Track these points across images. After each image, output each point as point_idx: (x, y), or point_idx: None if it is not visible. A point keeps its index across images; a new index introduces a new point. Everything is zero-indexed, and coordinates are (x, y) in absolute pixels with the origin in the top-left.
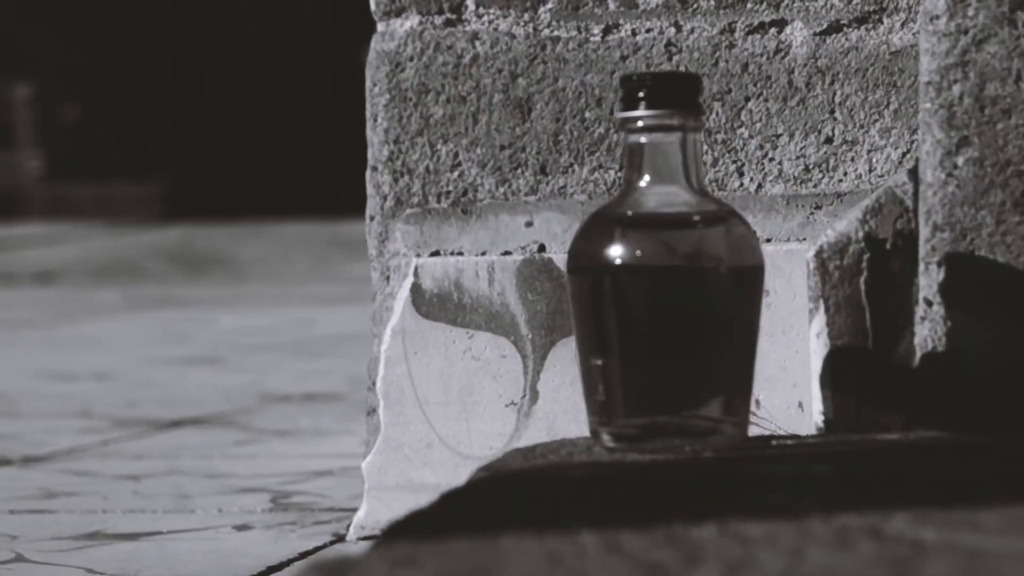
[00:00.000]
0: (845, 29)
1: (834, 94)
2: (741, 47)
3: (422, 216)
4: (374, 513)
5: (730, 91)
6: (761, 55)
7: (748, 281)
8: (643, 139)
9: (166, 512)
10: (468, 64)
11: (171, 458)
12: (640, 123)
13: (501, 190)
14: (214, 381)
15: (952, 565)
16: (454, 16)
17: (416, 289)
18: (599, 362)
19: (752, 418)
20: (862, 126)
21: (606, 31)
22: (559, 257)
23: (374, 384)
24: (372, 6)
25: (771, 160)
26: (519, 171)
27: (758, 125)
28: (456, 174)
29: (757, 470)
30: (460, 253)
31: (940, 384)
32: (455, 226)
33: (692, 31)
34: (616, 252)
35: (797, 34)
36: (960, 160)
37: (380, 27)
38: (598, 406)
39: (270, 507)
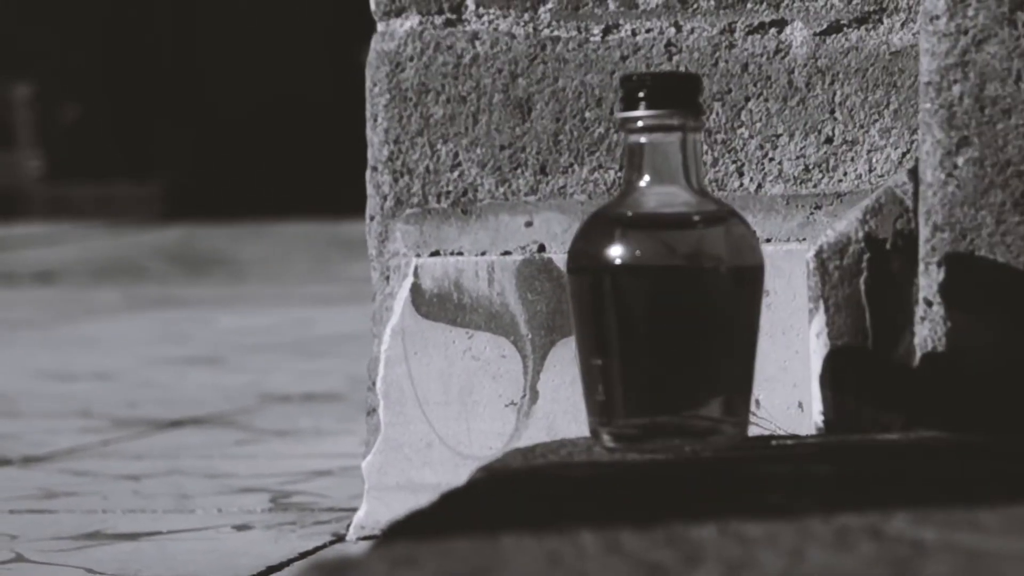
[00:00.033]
0: (845, 29)
1: (834, 94)
2: (741, 47)
3: (422, 216)
4: (374, 513)
5: (730, 91)
6: (761, 55)
7: (748, 281)
8: (643, 139)
9: (166, 512)
10: (468, 64)
11: (171, 458)
12: (640, 123)
13: (501, 190)
14: (214, 381)
15: (952, 565)
16: (454, 16)
17: (416, 289)
18: (599, 362)
19: (752, 418)
20: (862, 126)
21: (606, 31)
22: (559, 257)
23: (374, 384)
24: (372, 6)
25: (771, 160)
26: (519, 171)
27: (758, 125)
28: (456, 174)
29: (757, 470)
30: (460, 253)
31: (940, 384)
32: (455, 226)
33: (692, 31)
34: (616, 252)
35: (797, 34)
36: (960, 160)
37: (380, 27)
38: (598, 406)
39: (270, 507)
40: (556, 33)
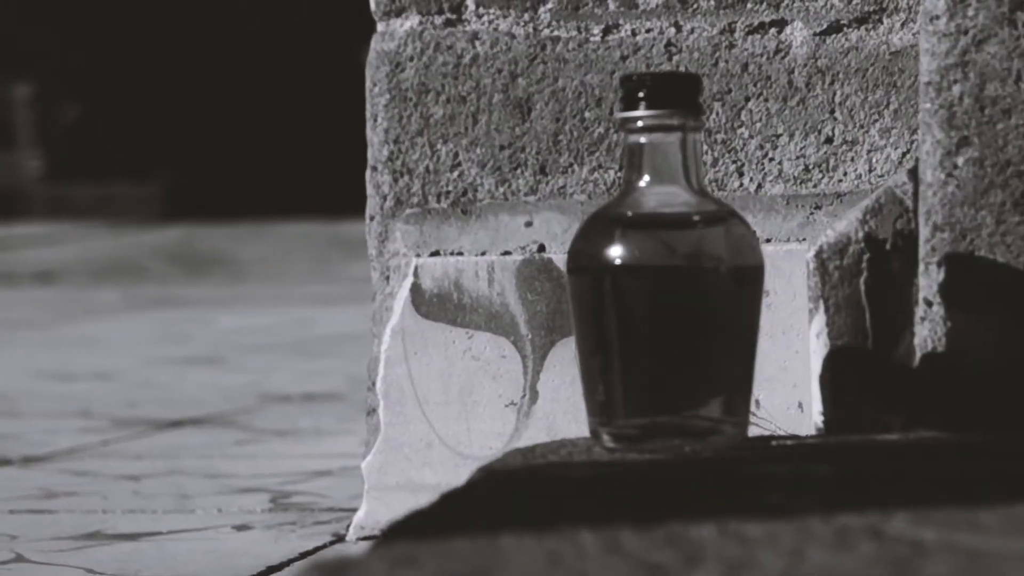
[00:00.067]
0: (845, 29)
1: (834, 94)
2: (741, 47)
3: (422, 216)
4: (374, 513)
5: (730, 91)
6: (761, 55)
7: (748, 281)
8: (643, 139)
9: (166, 512)
10: (468, 64)
11: (171, 458)
12: (640, 123)
13: (501, 190)
14: (214, 381)
15: (952, 565)
16: (454, 16)
17: (416, 289)
18: (599, 362)
19: (752, 418)
20: (862, 126)
21: (606, 31)
22: (559, 257)
23: (374, 384)
24: (372, 6)
25: (771, 160)
26: (519, 171)
27: (758, 125)
28: (456, 174)
29: (757, 470)
30: (460, 253)
31: (940, 384)
32: (455, 226)
33: (692, 31)
34: (616, 252)
35: (797, 34)
36: (960, 160)
37: (380, 27)
38: (598, 406)
39: (270, 507)
40: (556, 33)
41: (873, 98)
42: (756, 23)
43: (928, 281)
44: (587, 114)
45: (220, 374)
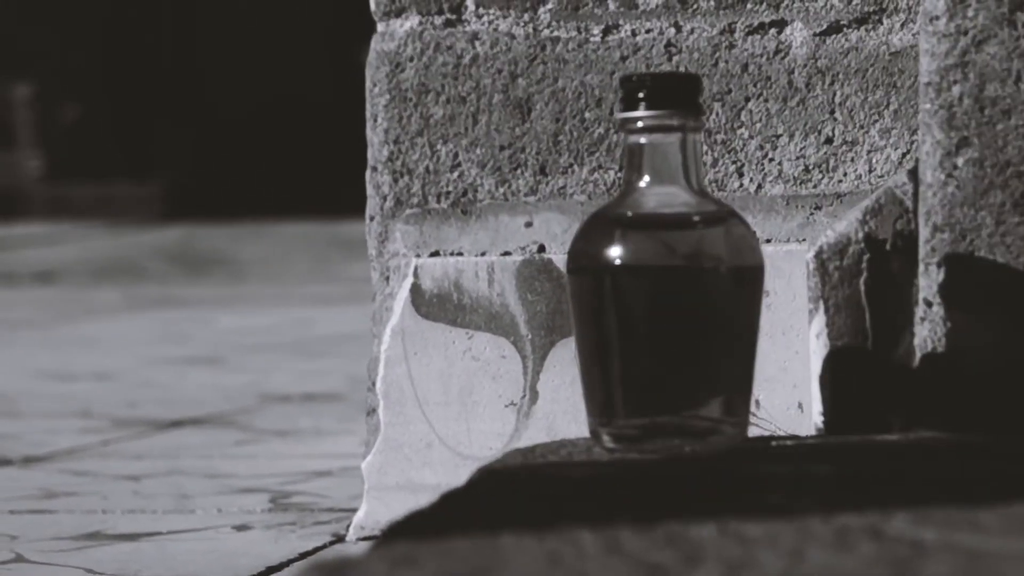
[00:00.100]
0: (845, 30)
1: (834, 95)
2: (741, 48)
3: (422, 216)
4: (374, 513)
5: (730, 91)
6: (761, 55)
7: (748, 281)
8: (643, 139)
9: (166, 512)
10: (468, 64)
11: (171, 458)
12: (640, 123)
13: (501, 190)
14: (214, 381)
15: (952, 565)
16: (454, 16)
17: (416, 289)
18: (599, 362)
19: (752, 419)
20: (862, 126)
21: (606, 31)
22: (559, 257)
23: (374, 384)
24: (372, 6)
25: (771, 160)
26: (519, 171)
27: (758, 125)
28: (456, 174)
29: (757, 470)
30: (460, 253)
31: (940, 384)
32: (455, 226)
33: (692, 31)
34: (616, 252)
35: (797, 35)
36: (960, 161)
37: (380, 27)
38: (598, 406)
39: (270, 507)
40: (556, 33)
41: (873, 98)
42: (756, 23)
43: (928, 281)
44: (587, 114)
45: (220, 374)
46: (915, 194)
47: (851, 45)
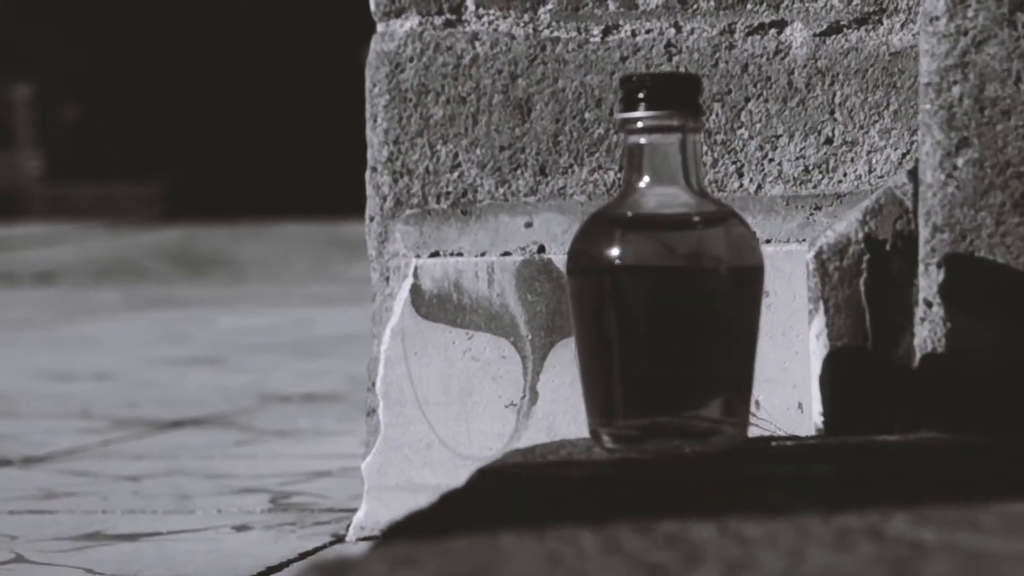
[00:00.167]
0: (845, 30)
1: (834, 95)
2: (741, 48)
3: (422, 217)
4: (374, 513)
5: (730, 92)
6: (761, 56)
7: (748, 282)
8: (643, 140)
9: (166, 512)
10: (468, 65)
11: (171, 458)
12: (640, 124)
13: (501, 191)
14: (214, 381)
15: (952, 565)
16: (454, 17)
17: (416, 290)
18: (599, 363)
19: (752, 419)
20: (862, 127)
21: (606, 32)
22: (559, 258)
23: (374, 384)
24: (372, 6)
25: (771, 161)
26: (519, 172)
27: (758, 126)
28: (456, 175)
29: (757, 470)
30: (460, 254)
31: (940, 385)
32: (455, 227)
33: (692, 32)
34: (616, 253)
35: (797, 35)
36: (960, 161)
37: (380, 27)
38: (598, 407)
39: (270, 507)
40: (556, 34)
41: (873, 99)
42: (756, 24)
43: (928, 282)
44: (587, 115)
45: (220, 374)
46: (915, 194)
47: (851, 45)
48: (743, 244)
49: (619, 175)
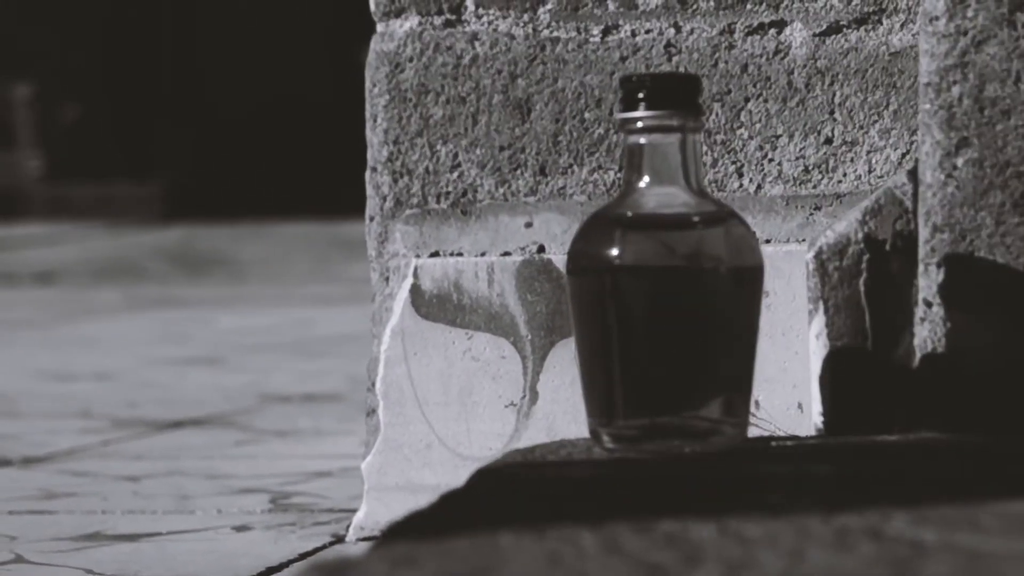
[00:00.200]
0: (844, 30)
1: (833, 95)
2: (741, 48)
3: (421, 217)
4: (374, 514)
5: (729, 92)
6: (760, 56)
7: (748, 282)
8: (642, 140)
9: (166, 513)
10: (468, 65)
11: (171, 458)
12: (639, 124)
13: (501, 191)
14: (214, 381)
15: (952, 565)
16: (454, 17)
17: (415, 290)
18: (599, 363)
19: (752, 419)
20: (862, 127)
21: (605, 32)
22: (559, 258)
23: (374, 385)
24: (372, 6)
25: (770, 161)
26: (519, 172)
27: (757, 126)
28: (456, 175)
29: (757, 470)
30: (459, 254)
31: (940, 385)
32: (454, 227)
33: (691, 32)
34: (616, 253)
35: (796, 35)
36: (959, 161)
37: (380, 27)
38: (598, 407)
39: (270, 508)
40: (556, 34)
41: (873, 99)
42: (756, 24)
43: (928, 282)
44: (587, 115)
45: (220, 374)
46: (915, 194)
47: (851, 45)
48: (743, 244)
49: (619, 175)
